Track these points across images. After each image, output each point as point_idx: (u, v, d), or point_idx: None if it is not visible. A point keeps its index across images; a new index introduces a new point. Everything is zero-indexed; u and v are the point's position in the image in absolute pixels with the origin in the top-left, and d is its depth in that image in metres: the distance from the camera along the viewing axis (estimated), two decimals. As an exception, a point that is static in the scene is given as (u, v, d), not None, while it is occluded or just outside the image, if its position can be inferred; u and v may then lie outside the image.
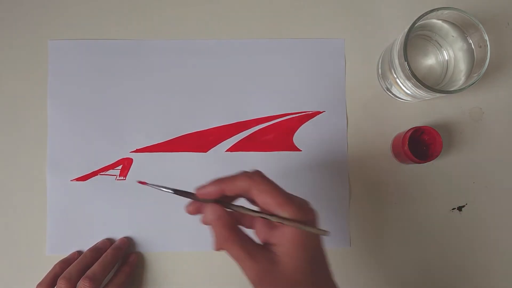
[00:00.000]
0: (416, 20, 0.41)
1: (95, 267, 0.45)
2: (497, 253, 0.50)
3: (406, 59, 0.41)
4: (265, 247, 0.34)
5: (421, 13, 0.41)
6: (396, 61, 0.43)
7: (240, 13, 0.51)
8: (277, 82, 0.51)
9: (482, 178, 0.50)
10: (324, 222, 0.50)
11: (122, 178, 0.50)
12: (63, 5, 0.51)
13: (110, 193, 0.50)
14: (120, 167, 0.50)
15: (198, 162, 0.50)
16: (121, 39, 0.51)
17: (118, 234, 0.50)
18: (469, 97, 0.51)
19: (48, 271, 0.46)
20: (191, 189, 0.35)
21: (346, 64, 0.51)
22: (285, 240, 0.33)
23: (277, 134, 0.51)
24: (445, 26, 0.45)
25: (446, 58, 0.46)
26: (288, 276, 0.33)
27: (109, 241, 0.49)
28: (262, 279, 0.33)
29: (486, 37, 0.42)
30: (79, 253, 0.49)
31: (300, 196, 0.36)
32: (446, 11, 0.42)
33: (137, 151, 0.50)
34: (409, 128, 0.47)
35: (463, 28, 0.44)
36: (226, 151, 0.50)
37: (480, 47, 0.43)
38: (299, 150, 0.51)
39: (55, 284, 0.44)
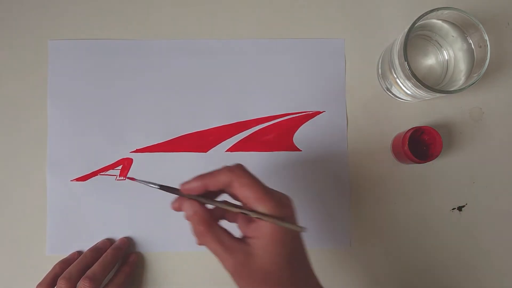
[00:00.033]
0: (416, 20, 0.41)
1: (95, 267, 0.45)
2: (497, 253, 0.50)
3: (406, 59, 0.41)
4: (242, 241, 0.35)
5: (421, 13, 0.41)
6: (396, 61, 0.43)
7: (240, 13, 0.51)
8: (277, 82, 0.51)
9: (482, 178, 0.50)
10: (324, 222, 0.50)
11: (122, 178, 0.50)
12: (63, 5, 0.51)
13: (110, 193, 0.50)
14: (120, 167, 0.50)
15: (198, 162, 0.50)
16: (121, 39, 0.51)
17: (118, 234, 0.50)
18: (469, 97, 0.51)
19: (48, 271, 0.46)
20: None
21: (346, 64, 0.51)
22: (262, 234, 0.34)
23: (277, 134, 0.51)
24: (445, 26, 0.45)
25: (446, 58, 0.46)
26: (263, 269, 0.33)
27: (109, 241, 0.49)
28: (238, 271, 0.34)
29: (486, 37, 0.42)
30: (79, 253, 0.49)
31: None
32: (446, 11, 0.42)
33: (137, 151, 0.50)
34: (409, 128, 0.47)
35: (463, 28, 0.44)
36: (226, 151, 0.50)
37: (480, 47, 0.43)
38: (299, 150, 0.51)
39: (55, 284, 0.44)
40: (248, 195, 0.34)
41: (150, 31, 0.51)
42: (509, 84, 0.51)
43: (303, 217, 0.50)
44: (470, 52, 0.44)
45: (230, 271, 0.34)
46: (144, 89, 0.51)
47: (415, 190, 0.50)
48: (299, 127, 0.51)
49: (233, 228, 0.36)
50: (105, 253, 0.47)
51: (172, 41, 0.51)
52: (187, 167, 0.50)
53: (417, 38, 0.46)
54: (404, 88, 0.45)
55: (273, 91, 0.51)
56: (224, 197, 0.37)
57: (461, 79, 0.45)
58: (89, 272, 0.44)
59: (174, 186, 0.36)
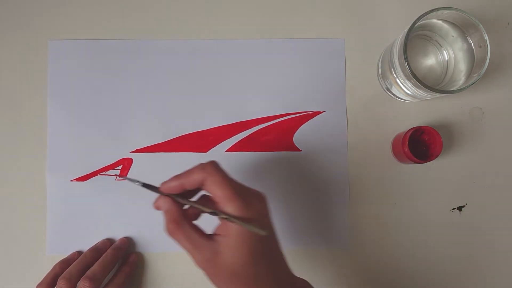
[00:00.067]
0: (416, 20, 0.41)
1: (95, 267, 0.45)
2: (497, 253, 0.50)
3: (406, 59, 0.41)
4: (212, 238, 0.36)
5: (421, 13, 0.41)
6: (396, 61, 0.43)
7: (240, 13, 0.51)
8: (277, 82, 0.51)
9: (482, 178, 0.50)
10: (323, 222, 0.50)
11: (122, 178, 0.50)
12: (63, 5, 0.51)
13: (110, 193, 0.50)
14: (120, 167, 0.50)
15: (198, 162, 0.50)
16: (121, 39, 0.51)
17: (118, 234, 0.50)
18: (469, 97, 0.51)
19: (48, 271, 0.46)
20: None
21: (346, 64, 0.51)
22: (228, 233, 0.35)
23: (277, 134, 0.51)
24: (445, 26, 0.45)
25: (446, 58, 0.46)
26: (228, 267, 0.35)
27: (109, 241, 0.49)
28: (207, 267, 0.35)
29: (486, 37, 0.42)
30: (79, 253, 0.49)
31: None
32: (446, 11, 0.42)
33: (137, 151, 0.50)
34: (409, 128, 0.47)
35: (463, 28, 0.44)
36: (226, 151, 0.50)
37: (480, 47, 0.43)
38: (299, 150, 0.51)
39: (55, 284, 0.44)
40: (217, 193, 0.35)
41: (150, 31, 0.51)
42: (509, 84, 0.51)
43: (303, 217, 0.50)
44: (470, 52, 0.44)
45: (200, 267, 0.36)
46: (144, 89, 0.51)
47: (415, 190, 0.50)
48: (299, 127, 0.51)
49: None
50: (105, 253, 0.47)
51: (172, 41, 0.51)
52: (187, 167, 0.50)
53: (417, 38, 0.46)
54: (404, 88, 0.45)
55: (273, 91, 0.51)
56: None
57: (461, 79, 0.45)
58: (89, 272, 0.44)
59: (155, 185, 0.38)
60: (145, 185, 0.38)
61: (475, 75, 0.43)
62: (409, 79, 0.42)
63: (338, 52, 0.51)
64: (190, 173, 0.36)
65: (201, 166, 0.36)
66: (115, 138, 0.50)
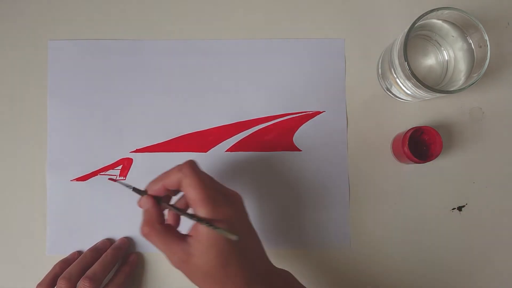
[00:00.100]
0: (416, 20, 0.41)
1: (95, 267, 0.45)
2: (497, 253, 0.50)
3: (406, 59, 0.41)
4: (185, 239, 0.37)
5: (421, 13, 0.41)
6: (396, 61, 0.43)
7: (240, 13, 0.51)
8: (277, 82, 0.51)
9: (482, 178, 0.50)
10: (324, 222, 0.50)
11: (122, 178, 0.50)
12: (63, 5, 0.51)
13: (110, 193, 0.50)
14: (120, 167, 0.50)
15: (198, 162, 0.50)
16: (121, 39, 0.51)
17: (118, 234, 0.50)
18: (469, 97, 0.51)
19: (48, 271, 0.46)
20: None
21: (346, 64, 0.51)
22: (199, 235, 0.35)
23: (277, 134, 0.51)
24: (445, 26, 0.45)
25: (446, 58, 0.46)
26: (200, 267, 0.36)
27: (109, 241, 0.49)
28: (181, 267, 0.36)
29: (486, 37, 0.42)
30: (79, 253, 0.49)
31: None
32: (446, 11, 0.42)
33: (137, 151, 0.50)
34: (409, 128, 0.47)
35: (463, 28, 0.44)
36: (226, 151, 0.50)
37: (480, 47, 0.43)
38: (299, 150, 0.51)
39: (55, 284, 0.44)
40: (190, 195, 0.36)
41: (150, 31, 0.51)
42: (509, 84, 0.51)
43: (302, 217, 0.50)
44: (470, 52, 0.44)
45: (175, 267, 0.37)
46: (144, 89, 0.51)
47: (415, 190, 0.50)
48: (299, 127, 0.51)
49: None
50: (105, 253, 0.47)
51: (172, 41, 0.51)
52: (187, 167, 0.50)
53: (417, 38, 0.46)
54: (404, 88, 0.45)
55: (273, 91, 0.51)
56: None
57: (461, 79, 0.45)
58: (89, 272, 0.44)
59: (142, 189, 0.39)
60: (135, 190, 0.39)
61: (475, 75, 0.43)
62: (409, 79, 0.42)
63: (338, 52, 0.51)
64: (168, 174, 0.37)
65: (178, 167, 0.37)
66: (115, 138, 0.50)
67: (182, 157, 0.50)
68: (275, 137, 0.51)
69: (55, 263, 0.47)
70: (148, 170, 0.50)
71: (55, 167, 0.50)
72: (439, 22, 0.44)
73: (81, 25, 0.51)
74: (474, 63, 0.44)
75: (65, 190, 0.50)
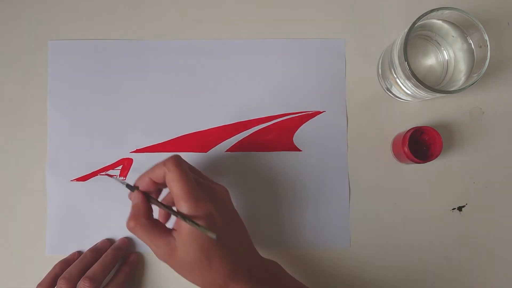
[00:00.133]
0: (416, 20, 0.41)
1: (95, 267, 0.45)
2: (497, 253, 0.50)
3: (406, 59, 0.41)
4: (169, 233, 0.37)
5: (421, 13, 0.41)
6: (396, 61, 0.43)
7: (240, 13, 0.51)
8: (277, 82, 0.51)
9: (482, 178, 0.50)
10: (324, 222, 0.50)
11: (122, 178, 0.50)
12: (63, 5, 0.51)
13: (110, 193, 0.50)
14: (120, 167, 0.50)
15: (198, 162, 0.50)
16: (121, 39, 0.51)
17: (118, 234, 0.50)
18: (469, 97, 0.51)
19: (48, 271, 0.46)
20: None
21: (346, 64, 0.51)
22: (182, 229, 0.36)
23: (277, 134, 0.51)
24: (445, 26, 0.45)
25: (446, 58, 0.46)
26: (184, 260, 0.37)
27: (109, 241, 0.49)
28: (166, 260, 0.37)
29: (486, 37, 0.42)
30: (79, 253, 0.49)
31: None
32: (446, 11, 0.42)
33: (137, 151, 0.50)
34: (409, 128, 0.47)
35: (463, 28, 0.44)
36: (226, 151, 0.50)
37: (480, 47, 0.43)
38: (299, 150, 0.51)
39: (55, 284, 0.44)
40: (173, 191, 0.37)
41: (150, 31, 0.51)
42: (509, 84, 0.51)
43: (302, 217, 0.50)
44: (470, 52, 0.44)
45: (161, 260, 0.38)
46: (144, 89, 0.51)
47: (415, 190, 0.50)
48: (299, 127, 0.51)
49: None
50: (105, 253, 0.47)
51: (172, 41, 0.51)
52: (187, 167, 0.50)
53: (417, 38, 0.46)
54: (404, 88, 0.45)
55: (273, 91, 0.51)
56: None
57: (461, 79, 0.45)
58: (89, 272, 0.44)
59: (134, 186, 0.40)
60: (128, 186, 0.40)
61: (475, 75, 0.43)
62: (409, 79, 0.43)
63: (338, 52, 0.51)
64: (154, 169, 0.38)
65: (163, 162, 0.38)
66: (115, 138, 0.50)
67: (182, 157, 0.50)
68: (275, 137, 0.51)
69: (55, 263, 0.47)
70: (148, 170, 0.50)
71: (55, 167, 0.50)
72: (439, 22, 0.44)
73: (81, 25, 0.51)
74: (474, 63, 0.44)
75: (65, 190, 0.50)
